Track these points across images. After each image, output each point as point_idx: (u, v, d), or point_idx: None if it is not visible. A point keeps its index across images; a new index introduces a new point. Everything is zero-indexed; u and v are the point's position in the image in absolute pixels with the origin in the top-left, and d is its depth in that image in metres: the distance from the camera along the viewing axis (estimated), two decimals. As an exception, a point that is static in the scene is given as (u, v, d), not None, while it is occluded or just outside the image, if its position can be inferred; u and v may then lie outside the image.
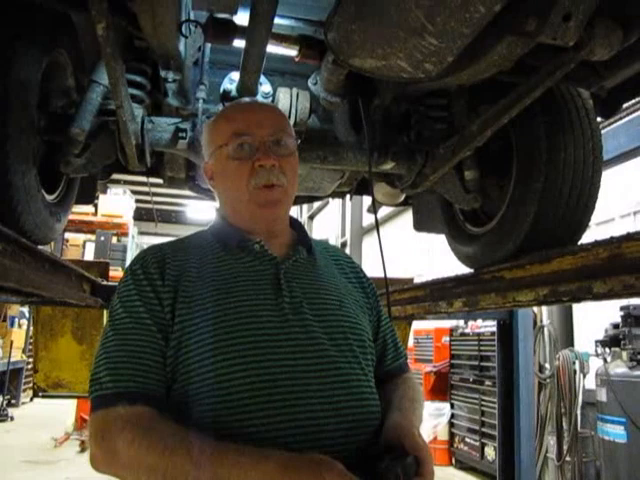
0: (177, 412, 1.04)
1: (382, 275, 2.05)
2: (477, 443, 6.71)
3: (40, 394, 3.57)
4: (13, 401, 10.69)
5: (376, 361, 1.27)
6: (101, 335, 1.14)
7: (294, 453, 0.95)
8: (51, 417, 8.95)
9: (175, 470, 0.94)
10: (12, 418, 9.48)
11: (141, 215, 16.19)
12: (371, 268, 2.10)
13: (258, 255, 1.22)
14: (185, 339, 1.08)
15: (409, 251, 9.86)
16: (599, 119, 2.27)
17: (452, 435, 7.41)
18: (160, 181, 3.20)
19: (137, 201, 14.36)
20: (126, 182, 12.65)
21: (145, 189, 12.79)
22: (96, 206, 12.91)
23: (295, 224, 1.37)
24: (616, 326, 5.09)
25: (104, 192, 12.56)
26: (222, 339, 1.07)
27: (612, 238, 1.62)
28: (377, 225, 2.20)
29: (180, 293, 1.13)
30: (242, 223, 1.26)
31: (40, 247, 2.08)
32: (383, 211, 9.78)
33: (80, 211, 12.29)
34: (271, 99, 2.37)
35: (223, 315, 1.09)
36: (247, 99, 2.00)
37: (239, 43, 1.94)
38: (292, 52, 2.06)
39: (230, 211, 1.30)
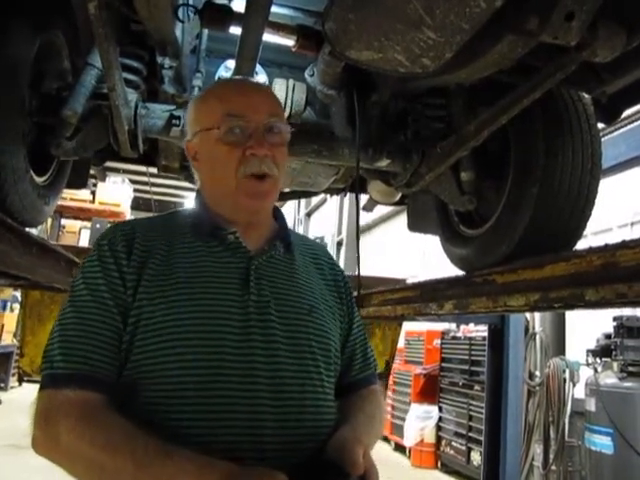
0: (123, 397, 1.00)
1: (374, 275, 2.04)
2: (464, 447, 6.70)
3: (25, 378, 3.54)
4: (2, 385, 10.64)
5: (342, 370, 1.22)
6: (60, 308, 1.08)
7: (236, 463, 0.92)
8: (39, 403, 8.90)
9: (115, 467, 0.91)
10: (0, 402, 9.43)
11: (139, 205, 16.11)
12: (366, 267, 2.07)
13: (231, 246, 1.14)
14: (142, 325, 1.03)
15: (406, 251, 9.83)
16: (600, 126, 2.24)
17: (439, 438, 7.39)
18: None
19: (135, 190, 14.30)
20: (125, 171, 12.62)
21: (144, 179, 12.72)
22: (94, 193, 12.88)
23: (277, 215, 1.28)
24: (608, 336, 5.06)
25: (103, 180, 12.52)
26: (177, 331, 1.02)
27: (606, 246, 1.59)
28: (357, 222, 2.17)
29: (144, 276, 1.07)
30: (223, 210, 1.18)
31: (33, 230, 2.05)
32: (381, 211, 9.75)
33: (77, 198, 12.26)
34: None
35: (182, 306, 1.04)
36: (239, 77, 1.91)
37: (237, 31, 1.91)
38: (289, 42, 2.03)
39: (212, 197, 1.21)
